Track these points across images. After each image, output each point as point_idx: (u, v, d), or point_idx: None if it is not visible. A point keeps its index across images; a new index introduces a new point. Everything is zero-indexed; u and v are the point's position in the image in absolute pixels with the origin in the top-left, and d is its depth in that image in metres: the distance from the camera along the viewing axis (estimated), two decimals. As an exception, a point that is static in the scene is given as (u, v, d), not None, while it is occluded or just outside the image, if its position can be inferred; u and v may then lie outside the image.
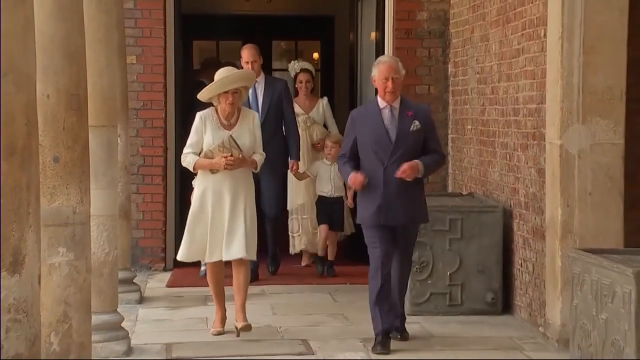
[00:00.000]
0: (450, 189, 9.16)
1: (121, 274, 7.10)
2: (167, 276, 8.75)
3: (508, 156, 7.48)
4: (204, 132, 6.59)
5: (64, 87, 4.47)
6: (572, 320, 4.65)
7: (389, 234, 6.26)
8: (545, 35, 6.64)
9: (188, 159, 6.63)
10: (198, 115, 6.69)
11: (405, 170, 6.15)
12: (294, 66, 9.45)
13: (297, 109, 9.09)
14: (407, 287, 6.68)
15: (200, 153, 6.60)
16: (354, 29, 10.35)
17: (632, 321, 4.05)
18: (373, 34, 9.81)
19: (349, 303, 7.65)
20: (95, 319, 5.25)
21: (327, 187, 8.81)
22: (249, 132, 6.66)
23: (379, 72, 6.32)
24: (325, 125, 9.40)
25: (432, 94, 9.40)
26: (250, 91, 8.06)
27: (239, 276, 6.61)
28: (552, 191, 6.46)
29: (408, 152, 6.21)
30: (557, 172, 6.37)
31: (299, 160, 8.73)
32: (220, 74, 6.68)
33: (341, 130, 8.53)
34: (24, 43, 2.83)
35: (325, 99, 9.54)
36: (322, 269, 8.85)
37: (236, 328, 6.48)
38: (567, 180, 6.34)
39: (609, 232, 6.28)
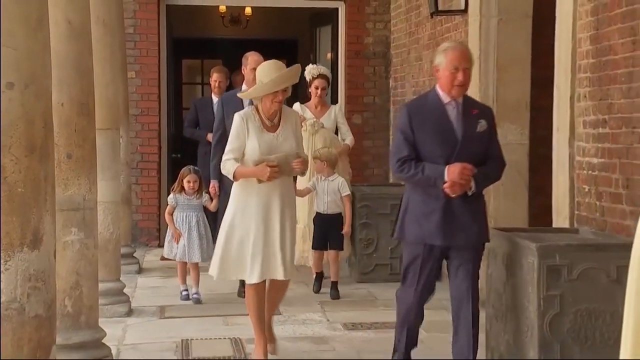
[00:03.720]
0: (391, 180, 9.20)
1: (123, 250, 7.06)
2: (161, 251, 8.67)
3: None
4: (247, 135, 4.85)
5: (75, 97, 4.44)
6: (487, 285, 4.70)
7: (439, 259, 4.39)
8: (466, 57, 6.69)
9: (228, 167, 4.82)
10: (238, 116, 4.92)
11: (454, 185, 4.24)
12: (312, 71, 7.36)
13: (308, 114, 7.28)
14: (478, 334, 4.43)
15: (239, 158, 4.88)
16: (313, 51, 10.36)
17: (535, 286, 4.11)
18: (329, 55, 9.83)
19: (311, 274, 7.65)
20: (102, 286, 5.22)
21: (321, 203, 6.77)
22: (292, 133, 4.94)
23: (448, 60, 4.29)
24: (337, 133, 7.49)
25: (377, 104, 9.44)
26: (248, 103, 6.28)
27: (278, 293, 5.08)
28: (472, 182, 6.51)
29: (473, 156, 4.30)
30: (476, 167, 6.43)
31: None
32: (271, 71, 4.89)
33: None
34: (42, 60, 2.81)
35: (338, 105, 7.65)
36: (319, 287, 6.87)
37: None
38: (484, 173, 6.39)
39: (517, 214, 6.35)
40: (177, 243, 6.54)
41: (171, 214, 6.58)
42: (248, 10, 12.71)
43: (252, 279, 4.81)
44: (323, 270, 6.97)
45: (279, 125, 4.91)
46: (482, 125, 4.35)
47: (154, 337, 5.54)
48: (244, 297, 6.04)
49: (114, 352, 4.86)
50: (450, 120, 4.31)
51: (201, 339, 5.49)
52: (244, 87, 6.64)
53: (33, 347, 2.72)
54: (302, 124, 6.86)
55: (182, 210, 6.58)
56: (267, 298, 4.99)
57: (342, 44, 9.43)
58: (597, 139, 4.80)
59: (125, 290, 6.28)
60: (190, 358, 5.09)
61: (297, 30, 12.20)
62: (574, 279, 4.12)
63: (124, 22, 8.15)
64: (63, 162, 4.38)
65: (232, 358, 5.09)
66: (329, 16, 9.66)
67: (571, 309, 4.12)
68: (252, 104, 6.12)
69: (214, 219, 7.01)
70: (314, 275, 7.00)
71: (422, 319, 4.55)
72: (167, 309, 6.33)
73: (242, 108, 6.19)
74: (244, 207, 4.83)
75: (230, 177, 4.86)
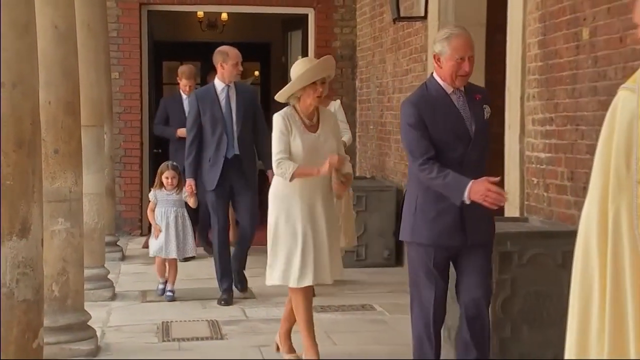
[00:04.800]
0: (357, 174, 9.23)
1: (107, 238, 7.02)
2: (142, 240, 8.66)
3: (400, 149, 7.56)
4: (290, 134, 4.29)
5: (62, 96, 4.41)
6: (445, 270, 4.74)
7: (449, 259, 3.72)
8: (426, 59, 6.73)
9: (284, 167, 4.22)
10: (279, 116, 4.32)
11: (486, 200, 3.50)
12: None
13: None
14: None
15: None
16: (285, 53, 10.36)
17: (495, 272, 4.16)
18: (300, 57, 9.83)
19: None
20: (87, 272, 5.20)
21: None
22: (332, 134, 4.40)
23: (453, 48, 3.54)
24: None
25: (344, 103, 9.39)
26: (223, 98, 6.02)
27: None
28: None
29: (482, 148, 3.66)
30: (435, 161, 6.44)
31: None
32: (303, 65, 4.36)
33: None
34: (30, 62, 2.80)
35: (338, 101, 6.89)
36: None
37: (277, 346, 4.64)
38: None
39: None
40: (157, 239, 6.10)
41: (153, 211, 6.14)
42: (224, 16, 12.67)
43: (304, 282, 4.30)
44: None
45: (318, 125, 4.37)
46: (487, 111, 3.68)
47: (136, 320, 5.52)
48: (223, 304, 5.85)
49: (98, 333, 4.84)
50: (460, 112, 3.61)
51: (180, 321, 5.49)
52: (217, 81, 6.04)
53: (22, 329, 2.72)
54: None
55: (161, 206, 6.13)
56: (287, 307, 4.56)
57: (312, 47, 9.44)
58: (545, 135, 4.86)
59: (109, 276, 6.25)
60: (170, 338, 5.09)
61: (270, 35, 12.17)
62: (524, 263, 4.17)
63: (107, 26, 8.09)
64: (50, 157, 4.36)
65: (209, 338, 5.09)
66: (299, 21, 9.67)
67: (521, 291, 4.17)
68: (229, 99, 5.98)
69: (195, 214, 6.91)
70: None
71: (443, 322, 3.82)
72: (148, 294, 6.31)
73: (219, 103, 6.00)
74: (287, 211, 4.30)
75: (287, 177, 4.21)
